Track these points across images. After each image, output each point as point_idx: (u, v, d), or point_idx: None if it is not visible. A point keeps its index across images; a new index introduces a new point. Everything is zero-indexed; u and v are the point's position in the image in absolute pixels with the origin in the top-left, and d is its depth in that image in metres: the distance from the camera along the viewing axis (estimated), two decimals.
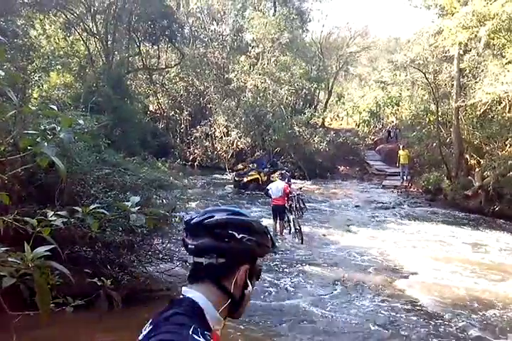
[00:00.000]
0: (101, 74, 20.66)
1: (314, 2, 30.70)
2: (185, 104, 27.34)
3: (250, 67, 25.99)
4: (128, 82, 23.42)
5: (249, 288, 1.40)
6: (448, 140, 19.60)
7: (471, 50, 17.90)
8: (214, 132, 24.45)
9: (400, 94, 28.26)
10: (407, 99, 27.35)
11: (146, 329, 1.26)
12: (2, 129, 5.08)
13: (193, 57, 26.76)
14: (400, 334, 6.64)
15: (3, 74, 2.06)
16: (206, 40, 27.63)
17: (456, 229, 13.41)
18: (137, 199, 2.50)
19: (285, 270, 9.35)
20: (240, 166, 20.64)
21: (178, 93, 27.63)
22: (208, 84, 26.76)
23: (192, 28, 28.27)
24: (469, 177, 16.99)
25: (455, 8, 15.65)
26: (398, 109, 29.57)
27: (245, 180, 18.52)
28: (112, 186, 6.89)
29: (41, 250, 1.97)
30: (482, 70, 17.27)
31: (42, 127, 2.17)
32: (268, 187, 12.28)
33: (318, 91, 32.75)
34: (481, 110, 18.05)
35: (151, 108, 28.34)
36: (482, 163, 16.92)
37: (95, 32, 22.63)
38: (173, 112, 27.46)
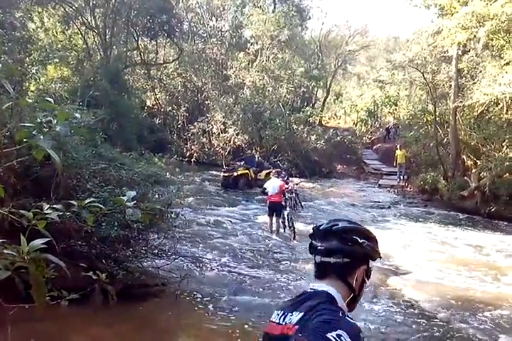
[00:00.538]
0: (98, 69, 20.57)
1: None
2: (183, 99, 27.25)
3: (249, 63, 25.91)
4: (125, 77, 23.32)
5: (366, 284, 1.75)
6: (445, 140, 19.62)
7: (469, 51, 17.90)
8: (211, 128, 24.38)
9: (398, 93, 28.32)
10: (405, 99, 27.43)
11: (289, 316, 1.64)
12: None
13: (191, 53, 26.66)
14: (397, 334, 6.64)
15: (0, 66, 2.03)
16: (205, 35, 27.56)
17: (451, 229, 13.44)
18: (133, 193, 2.47)
19: (281, 267, 9.35)
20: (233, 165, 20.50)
21: (175, 89, 27.54)
22: (205, 80, 26.67)
23: (191, 23, 28.19)
24: (466, 177, 17.02)
25: (455, 8, 15.63)
26: (396, 109, 29.61)
27: (235, 174, 18.30)
28: (108, 181, 6.85)
29: (37, 243, 1.95)
30: (480, 71, 17.26)
31: (38, 120, 2.14)
32: (265, 186, 12.28)
33: (316, 90, 32.73)
34: (479, 111, 18.06)
35: (148, 103, 28.24)
36: (479, 163, 16.95)
37: (94, 26, 22.52)
38: (170, 108, 27.36)
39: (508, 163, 15.38)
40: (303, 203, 15.56)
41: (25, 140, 2.14)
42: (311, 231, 1.79)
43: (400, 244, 11.47)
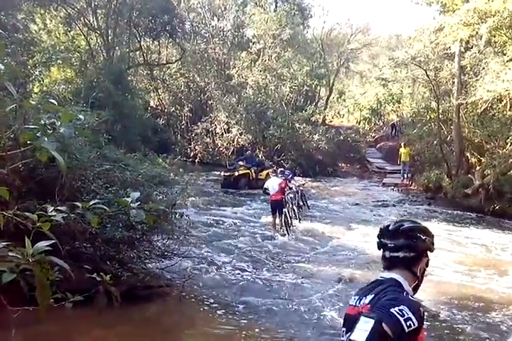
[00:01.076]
0: (102, 70, 20.58)
1: None
2: (186, 100, 27.25)
3: (251, 63, 25.90)
4: (129, 78, 23.32)
5: (426, 273, 2.19)
6: (449, 138, 19.58)
7: (472, 48, 17.83)
8: (215, 128, 24.39)
9: (401, 91, 28.26)
10: (408, 97, 27.34)
11: (363, 299, 2.04)
12: (2, 123, 5.06)
13: (193, 53, 26.66)
14: None
15: (3, 68, 2.04)
16: (207, 35, 27.52)
17: (455, 227, 13.40)
18: (137, 195, 2.48)
19: (285, 267, 9.35)
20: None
21: (178, 89, 27.54)
22: (208, 80, 26.67)
23: (193, 23, 28.14)
24: (469, 175, 16.96)
25: (456, 5, 15.61)
26: (399, 107, 29.55)
27: (236, 174, 18.18)
28: (113, 182, 6.87)
29: (42, 245, 1.96)
30: (483, 68, 17.19)
31: (42, 122, 2.16)
32: (265, 186, 12.37)
33: (319, 88, 32.67)
34: (482, 108, 18.00)
35: (151, 104, 28.25)
36: (483, 161, 16.90)
37: (96, 27, 22.54)
38: (173, 108, 27.37)
39: (510, 160, 15.34)
40: (308, 204, 15.55)
41: (29, 142, 2.16)
42: (379, 231, 2.20)
43: None
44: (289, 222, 12.07)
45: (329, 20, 61.24)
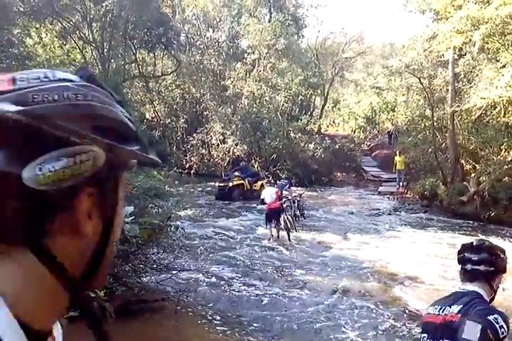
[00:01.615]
0: None
1: (310, 8, 30.79)
2: (182, 111, 27.35)
3: (246, 73, 26.05)
4: (124, 90, 23.40)
5: (499, 288, 2.44)
6: (443, 145, 19.66)
7: (465, 55, 17.96)
8: (210, 139, 24.45)
9: (396, 99, 28.41)
10: (402, 105, 27.49)
11: (448, 308, 2.30)
12: None
13: (189, 65, 26.81)
14: None
15: None
16: (202, 47, 27.68)
17: (452, 235, 13.38)
18: (131, 209, 2.52)
19: (281, 279, 9.33)
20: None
21: (174, 100, 27.65)
22: (204, 91, 26.79)
23: (188, 35, 28.33)
24: (465, 182, 17.00)
25: (449, 13, 15.71)
26: (394, 115, 29.69)
27: (231, 184, 17.98)
28: None
29: None
30: (477, 75, 17.33)
31: None
32: (262, 197, 12.45)
33: (314, 98, 32.83)
34: (476, 115, 18.10)
35: (147, 116, 28.32)
36: (478, 168, 16.94)
37: (91, 40, 22.67)
38: (169, 120, 27.44)
39: (506, 167, 15.41)
40: (305, 214, 15.57)
41: None
42: (461, 247, 2.49)
43: (401, 251, 11.45)
44: (289, 227, 12.10)
45: (323, 30, 61.53)
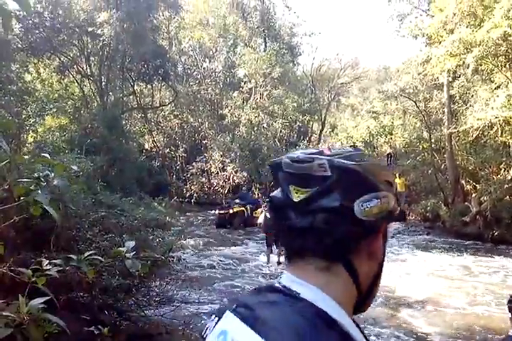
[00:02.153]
0: (96, 115, 20.80)
1: (304, 36, 31.41)
2: (181, 140, 27.53)
3: (243, 102, 26.33)
4: (123, 122, 23.59)
5: None
6: (443, 166, 19.70)
7: (460, 77, 18.17)
8: (210, 168, 24.51)
9: (392, 122, 28.54)
10: (399, 128, 27.60)
11: None
12: None
13: (186, 95, 27.12)
14: None
15: None
16: (199, 77, 28.07)
17: (457, 256, 13.30)
18: (132, 244, 2.50)
19: None
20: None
21: (173, 130, 27.86)
22: (202, 120, 27.03)
23: (185, 65, 28.76)
24: (466, 202, 16.98)
25: (442, 37, 15.94)
26: (391, 138, 29.80)
27: (231, 211, 17.80)
28: (108, 229, 6.83)
29: (36, 302, 1.97)
30: (472, 96, 17.50)
31: (36, 174, 2.19)
32: (259, 221, 12.65)
33: (311, 123, 33.07)
34: (474, 135, 18.16)
35: (146, 146, 28.47)
36: (478, 188, 16.93)
37: (89, 73, 22.99)
38: (168, 150, 27.59)
39: (507, 186, 15.40)
40: None
41: (22, 198, 2.18)
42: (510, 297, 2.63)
43: (407, 274, 11.33)
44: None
45: (318, 57, 62.50)
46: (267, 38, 30.41)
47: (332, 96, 35.13)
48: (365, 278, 0.92)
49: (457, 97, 19.02)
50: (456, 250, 14.17)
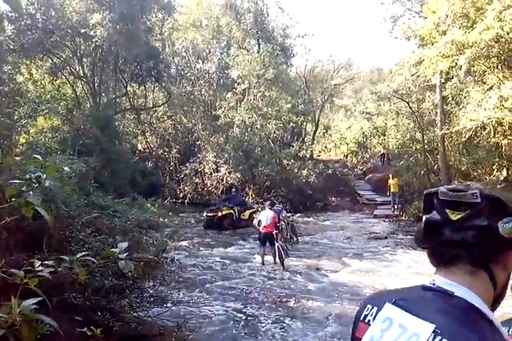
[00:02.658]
0: (88, 117, 20.72)
1: (297, 38, 31.37)
2: (174, 141, 27.44)
3: (237, 103, 26.28)
4: (116, 123, 23.51)
5: None
6: (436, 167, 19.79)
7: (452, 78, 18.23)
8: (203, 169, 24.47)
9: (386, 123, 28.65)
10: (392, 129, 27.70)
11: None
12: None
13: (180, 96, 27.05)
14: None
15: None
16: (192, 78, 28.01)
17: None
18: (125, 245, 2.49)
19: (279, 306, 9.19)
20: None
21: (166, 131, 27.78)
22: (195, 121, 26.96)
23: (178, 67, 28.72)
24: None
25: (434, 38, 16.02)
26: (385, 139, 29.93)
27: (220, 214, 17.71)
28: (101, 230, 6.81)
29: (28, 303, 1.96)
30: (465, 97, 17.57)
31: (28, 176, 2.18)
32: (259, 218, 12.49)
33: (305, 124, 33.10)
34: (466, 136, 18.25)
35: (139, 147, 28.40)
36: None
37: (82, 75, 22.90)
38: (161, 150, 27.49)
39: (500, 186, 15.48)
40: (299, 238, 15.48)
41: (13, 199, 2.17)
42: None
43: (401, 275, 11.36)
44: (283, 255, 12.03)
45: (312, 58, 62.67)
46: (260, 40, 30.40)
47: (325, 98, 35.16)
48: (499, 283, 1.18)
49: (450, 98, 19.11)
50: None
